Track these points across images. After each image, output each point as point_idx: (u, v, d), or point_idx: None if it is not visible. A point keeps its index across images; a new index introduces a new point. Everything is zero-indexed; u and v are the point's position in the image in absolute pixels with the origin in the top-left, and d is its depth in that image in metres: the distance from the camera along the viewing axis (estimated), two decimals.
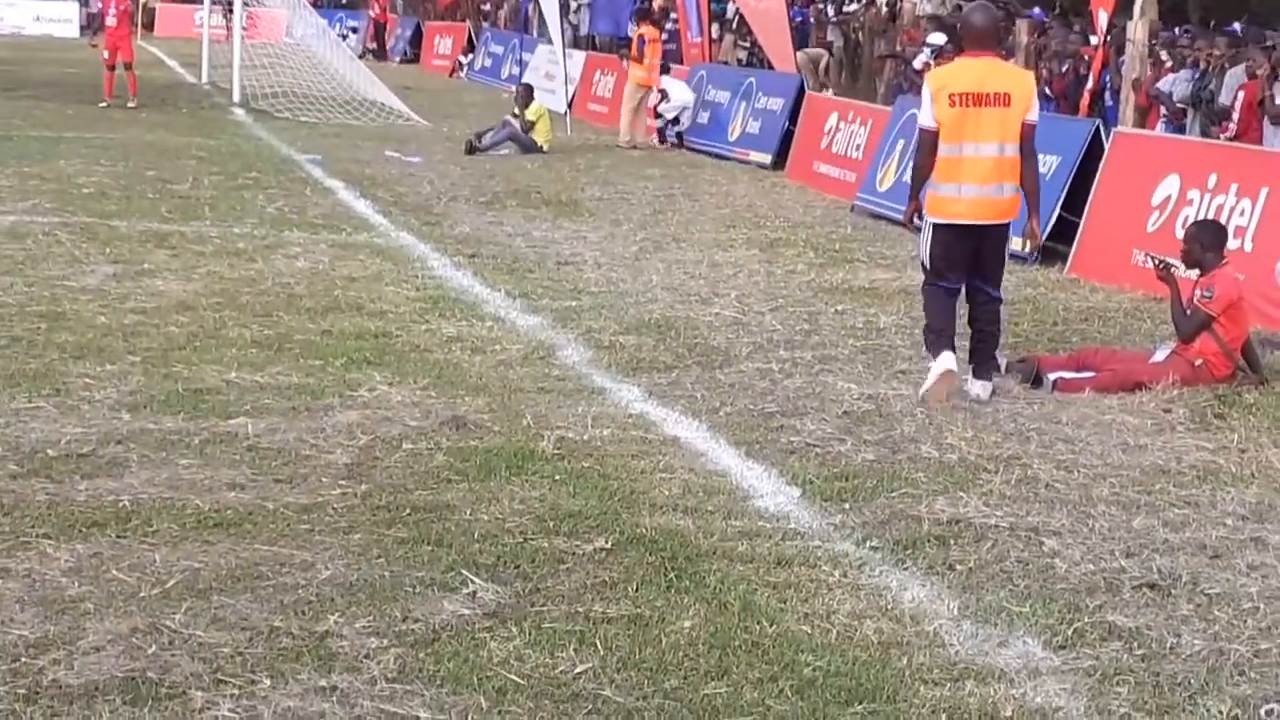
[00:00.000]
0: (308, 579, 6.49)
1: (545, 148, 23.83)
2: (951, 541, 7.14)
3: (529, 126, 23.84)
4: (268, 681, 5.53)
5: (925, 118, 9.82)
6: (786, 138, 22.58)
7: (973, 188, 9.70)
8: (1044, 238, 11.83)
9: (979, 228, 9.74)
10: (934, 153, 9.76)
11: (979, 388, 9.78)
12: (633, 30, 27.92)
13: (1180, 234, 11.89)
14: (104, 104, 28.63)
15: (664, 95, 25.58)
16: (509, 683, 5.58)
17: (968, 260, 9.87)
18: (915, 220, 10.12)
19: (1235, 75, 17.97)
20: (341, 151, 23.20)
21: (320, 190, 19.07)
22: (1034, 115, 9.81)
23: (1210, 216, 12.70)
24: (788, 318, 12.18)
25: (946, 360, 9.73)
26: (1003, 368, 10.27)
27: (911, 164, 10.79)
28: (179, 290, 12.41)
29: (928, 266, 9.96)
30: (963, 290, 9.99)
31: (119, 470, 7.81)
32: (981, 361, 9.90)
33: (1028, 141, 9.80)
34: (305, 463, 8.06)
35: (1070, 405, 9.62)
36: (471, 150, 23.40)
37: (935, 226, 9.84)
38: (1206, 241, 10.49)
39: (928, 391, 9.63)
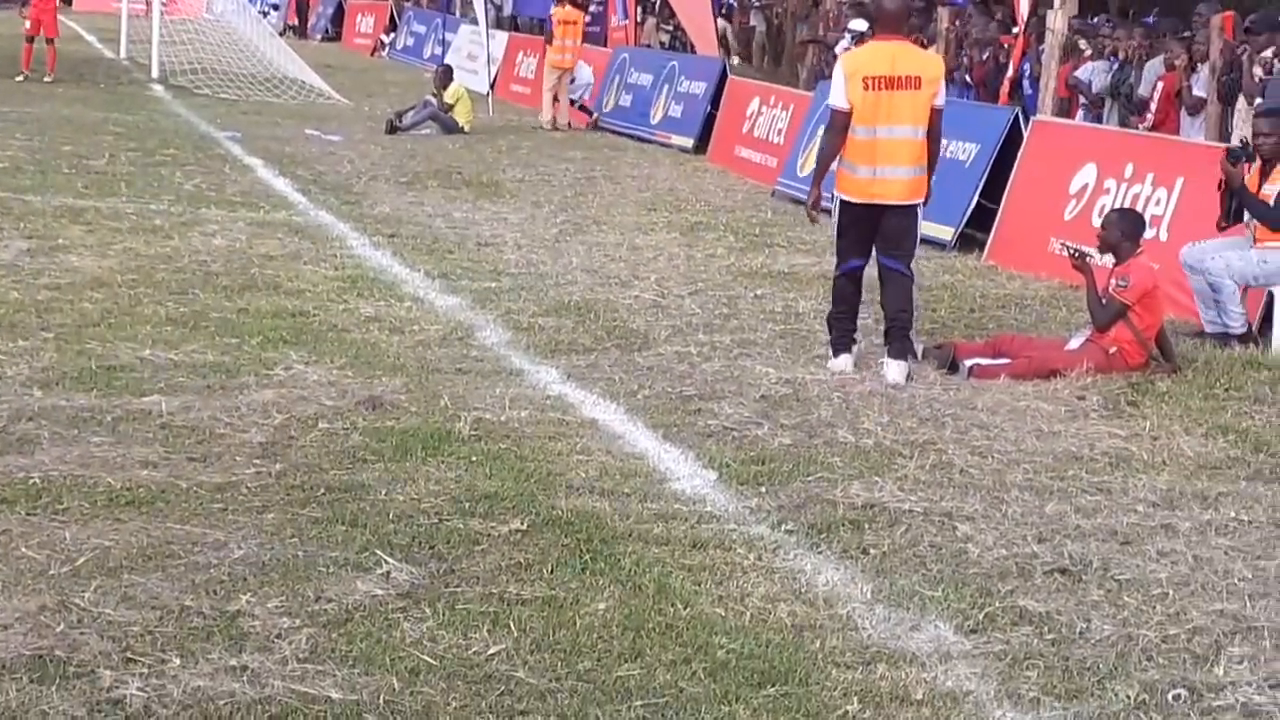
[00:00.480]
0: (220, 558, 6.44)
1: (466, 128, 23.75)
2: (866, 526, 7.17)
3: (448, 108, 23.75)
4: (177, 660, 5.49)
5: (837, 98, 10.00)
6: (708, 122, 22.59)
7: (887, 169, 9.93)
8: (962, 225, 11.95)
9: (890, 207, 9.91)
10: (844, 133, 9.98)
11: (896, 370, 9.84)
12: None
13: (1097, 222, 11.99)
14: (20, 77, 28.33)
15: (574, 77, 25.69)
16: (421, 663, 5.56)
17: (873, 239, 10.11)
18: (814, 212, 10.24)
19: (1154, 67, 18.10)
20: (261, 129, 23.05)
21: (239, 168, 18.94)
22: (941, 99, 10.09)
23: (1127, 205, 12.80)
24: (707, 301, 12.19)
25: (844, 363, 10.11)
26: (919, 354, 10.33)
27: (820, 145, 10.92)
28: (94, 266, 12.30)
29: (837, 243, 10.12)
30: (875, 273, 10.14)
31: (29, 447, 7.73)
32: (896, 342, 9.98)
33: (935, 126, 10.06)
34: (219, 441, 8.00)
35: (985, 391, 9.68)
36: (392, 130, 23.30)
37: (847, 204, 10.02)
38: (1125, 230, 10.57)
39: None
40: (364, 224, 15.16)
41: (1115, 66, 19.07)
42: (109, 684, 5.31)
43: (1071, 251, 10.71)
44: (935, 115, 10.01)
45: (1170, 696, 5.53)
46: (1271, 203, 11.10)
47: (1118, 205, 13.01)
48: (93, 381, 8.94)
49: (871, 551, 6.87)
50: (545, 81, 25.89)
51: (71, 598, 5.96)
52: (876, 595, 6.36)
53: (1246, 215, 11.19)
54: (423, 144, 22.26)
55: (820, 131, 11.87)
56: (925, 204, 10.28)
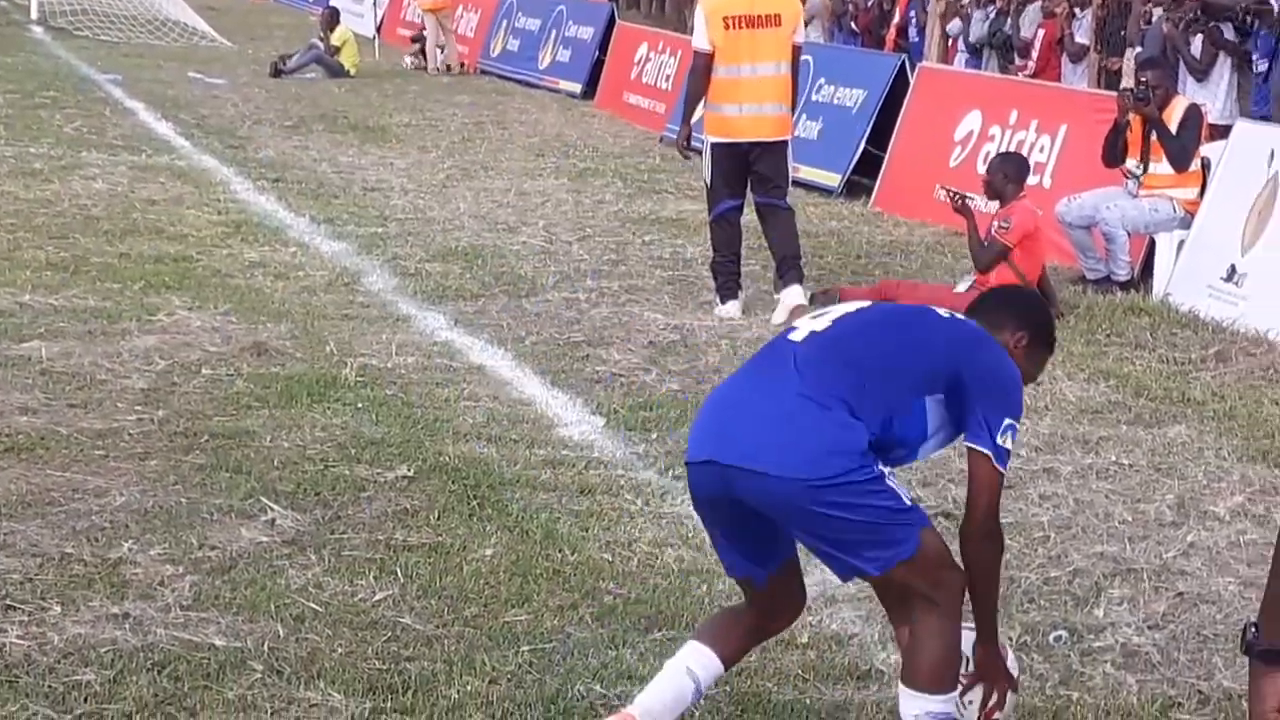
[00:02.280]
0: (101, 505, 6.37)
1: (353, 72, 23.53)
2: None
3: (334, 51, 23.52)
4: (58, 608, 5.43)
5: (699, 40, 10.22)
6: (596, 67, 22.51)
7: (753, 106, 10.10)
8: (849, 172, 12.04)
9: (760, 145, 10.00)
10: (708, 75, 10.17)
11: (795, 294, 10.00)
12: None
13: (982, 169, 12.06)
14: None
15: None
16: (307, 610, 5.53)
17: (745, 179, 10.21)
18: (686, 147, 10.46)
19: (1031, 14, 18.24)
20: (143, 72, 22.74)
21: (120, 111, 18.67)
22: (800, 36, 10.37)
23: (993, 154, 12.90)
24: (595, 247, 12.18)
25: (732, 309, 10.17)
26: (807, 300, 10.37)
27: (685, 88, 11.10)
28: None
29: (710, 185, 10.21)
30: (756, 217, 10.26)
31: None
32: (789, 270, 10.13)
33: (796, 61, 10.27)
34: (101, 388, 7.90)
35: None
36: (277, 73, 23.05)
37: (716, 145, 10.14)
38: (1009, 173, 10.64)
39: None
40: (248, 168, 15.00)
41: (992, 15, 19.18)
42: None
43: (952, 195, 10.77)
44: (796, 52, 10.22)
45: (1051, 638, 5.60)
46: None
47: (991, 154, 13.11)
48: None
49: None
50: (428, 30, 25.65)
51: None
52: None
53: (1130, 163, 11.29)
54: (308, 88, 22.04)
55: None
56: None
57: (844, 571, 4.44)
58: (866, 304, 4.60)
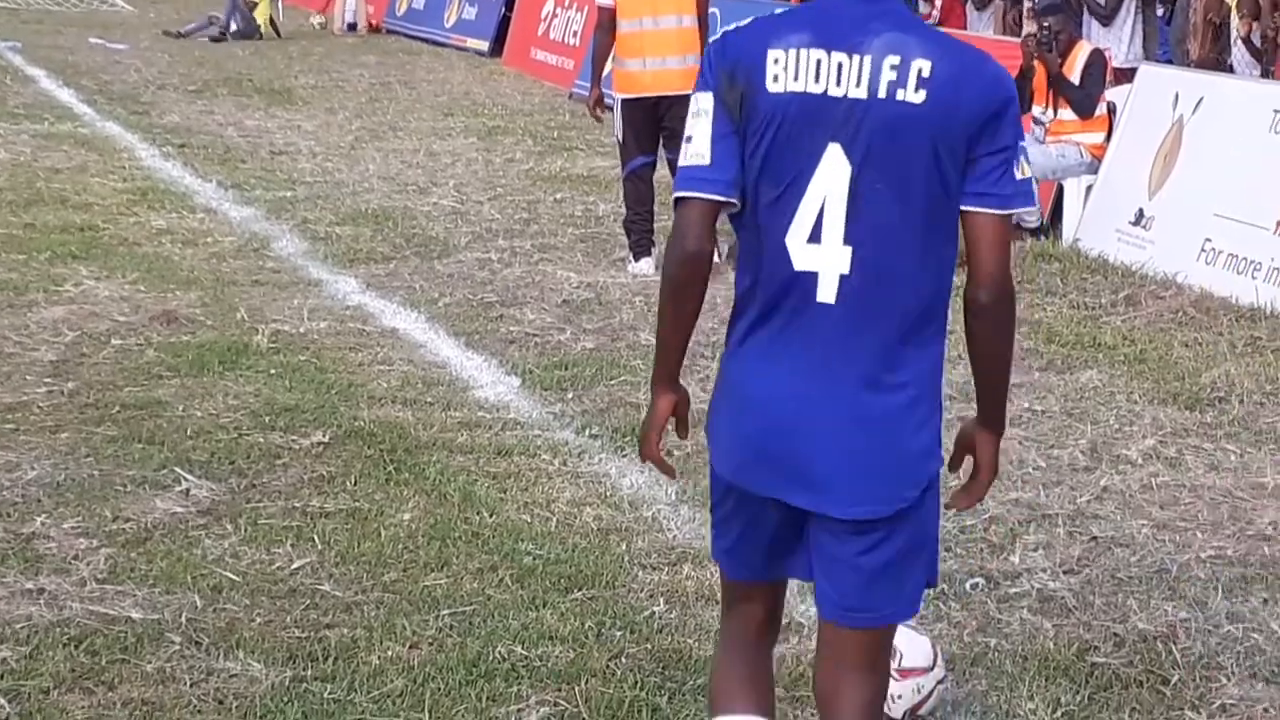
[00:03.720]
0: (13, 480, 6.31)
1: (261, 33, 23.33)
2: (669, 429, 7.18)
3: (251, 6, 23.32)
4: None
5: None
6: (503, 24, 22.39)
7: (656, 60, 10.13)
8: None
9: (667, 99, 9.98)
10: (612, 30, 10.21)
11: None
12: None
13: None
14: None
15: None
16: (224, 580, 5.50)
17: (656, 135, 10.22)
18: (599, 110, 10.43)
19: None
20: (43, 38, 22.44)
21: (20, 79, 18.42)
22: None
23: None
24: (506, 207, 12.13)
25: (645, 266, 10.19)
26: (724, 254, 10.37)
27: (591, 45, 11.13)
28: None
29: (621, 142, 10.23)
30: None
31: None
32: None
33: (703, 12, 10.26)
34: (8, 360, 7.82)
35: None
36: (179, 35, 22.84)
37: (624, 101, 10.15)
38: None
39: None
40: (153, 134, 14.85)
41: None
42: None
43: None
44: (703, 4, 10.22)
45: (968, 585, 5.64)
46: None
47: None
48: None
49: (675, 453, 6.88)
50: None
51: None
52: (681, 496, 6.40)
53: (1036, 110, 11.35)
54: (211, 51, 21.82)
55: None
56: None
57: (894, 607, 3.62)
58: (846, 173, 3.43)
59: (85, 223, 10.92)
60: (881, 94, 3.38)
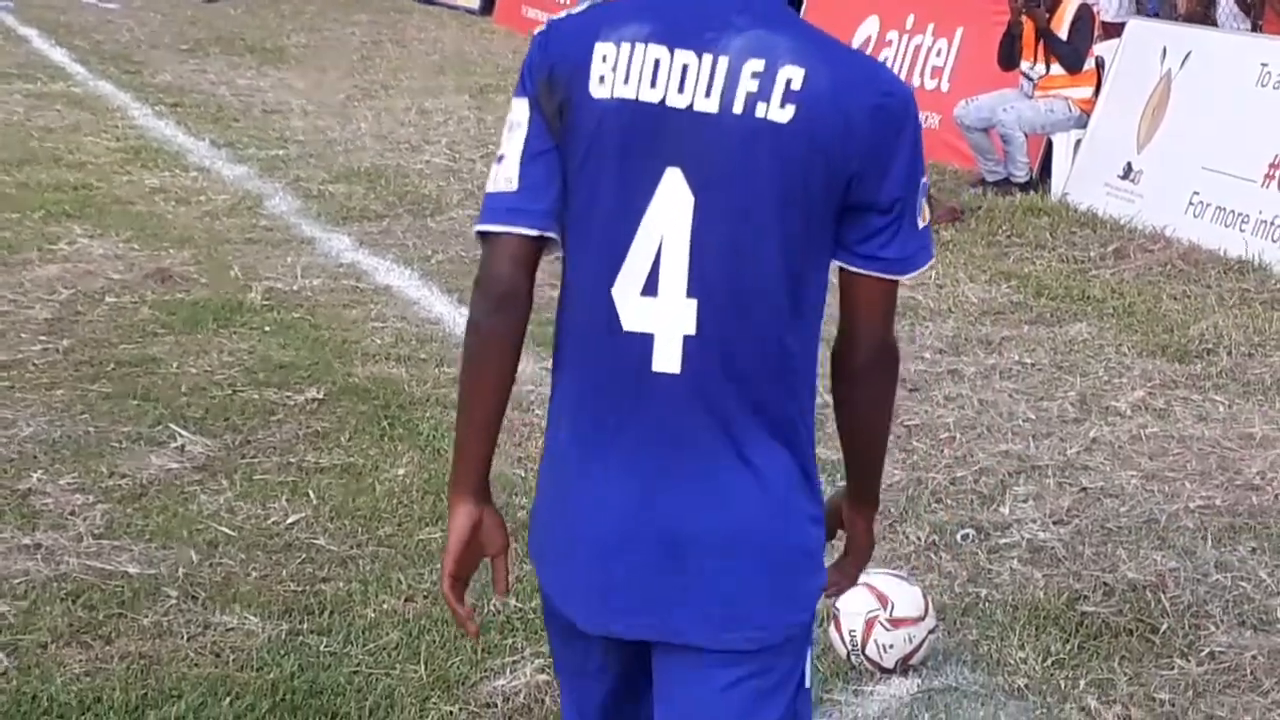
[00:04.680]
0: (9, 436, 6.34)
1: None
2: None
3: None
4: None
5: None
6: None
7: None
8: None
9: None
10: None
11: None
12: None
13: None
14: None
15: None
16: (220, 535, 5.54)
17: None
18: None
19: None
20: None
21: (13, 38, 18.38)
22: None
23: (905, 57, 12.95)
24: None
25: None
26: None
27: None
28: None
29: None
30: None
31: None
32: None
33: None
34: (3, 318, 7.84)
35: None
36: None
37: None
38: None
39: None
40: (145, 93, 14.83)
41: None
42: None
43: None
44: None
45: (959, 536, 5.69)
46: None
47: (891, 59, 13.16)
48: None
49: None
50: None
51: None
52: None
53: (1025, 65, 11.35)
54: (203, 10, 21.75)
55: None
56: None
57: None
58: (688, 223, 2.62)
59: (79, 181, 10.93)
60: (737, 109, 2.55)
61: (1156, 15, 13.82)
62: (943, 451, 6.49)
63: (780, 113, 2.54)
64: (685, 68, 2.58)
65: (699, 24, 2.59)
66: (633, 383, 2.66)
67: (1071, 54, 11.17)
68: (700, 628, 2.69)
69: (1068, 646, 4.93)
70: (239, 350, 7.49)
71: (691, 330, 2.61)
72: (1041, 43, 11.23)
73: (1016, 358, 7.69)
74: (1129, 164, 10.76)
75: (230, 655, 4.75)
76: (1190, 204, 10.11)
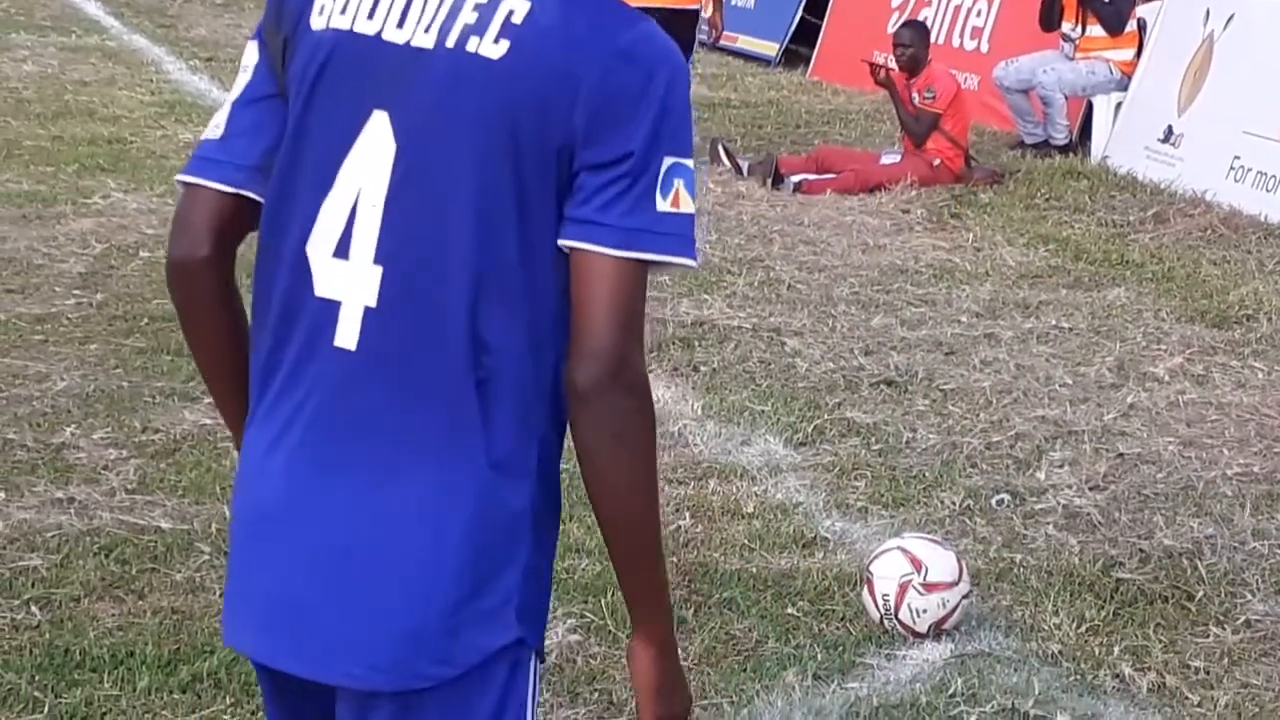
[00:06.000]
0: (42, 390, 6.33)
1: None
2: (696, 343, 7.21)
3: None
4: (2, 494, 5.40)
5: None
6: None
7: None
8: (787, 41, 11.97)
9: (662, 11, 10.03)
10: None
11: None
12: None
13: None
14: None
15: None
16: None
17: None
18: None
19: None
20: None
21: None
22: None
23: (944, 18, 12.87)
24: None
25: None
26: (745, 170, 10.35)
27: None
28: None
29: None
30: None
31: None
32: None
33: None
34: (38, 272, 7.83)
35: (812, 207, 9.73)
36: None
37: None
38: (918, 42, 10.58)
39: None
40: (180, 48, 14.81)
41: None
42: None
43: (874, 68, 10.68)
44: None
45: (994, 501, 5.65)
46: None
47: (935, 18, 13.07)
48: None
49: (702, 369, 6.91)
50: None
51: None
52: (707, 411, 6.41)
53: (1066, 27, 11.27)
54: None
55: None
56: (715, 43, 10.57)
57: None
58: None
59: (113, 135, 10.92)
60: (449, 43, 2.18)
61: None
62: (979, 415, 6.45)
63: (493, 48, 2.16)
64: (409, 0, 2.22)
65: None
66: (310, 356, 2.26)
67: (1113, 15, 11.08)
68: (325, 663, 2.24)
69: (1102, 613, 4.90)
70: None
71: (372, 303, 2.20)
72: (1082, 4, 11.13)
73: (1054, 322, 7.64)
74: (1170, 127, 10.67)
75: None
76: (1231, 168, 10.02)
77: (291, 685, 2.31)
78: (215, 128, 2.34)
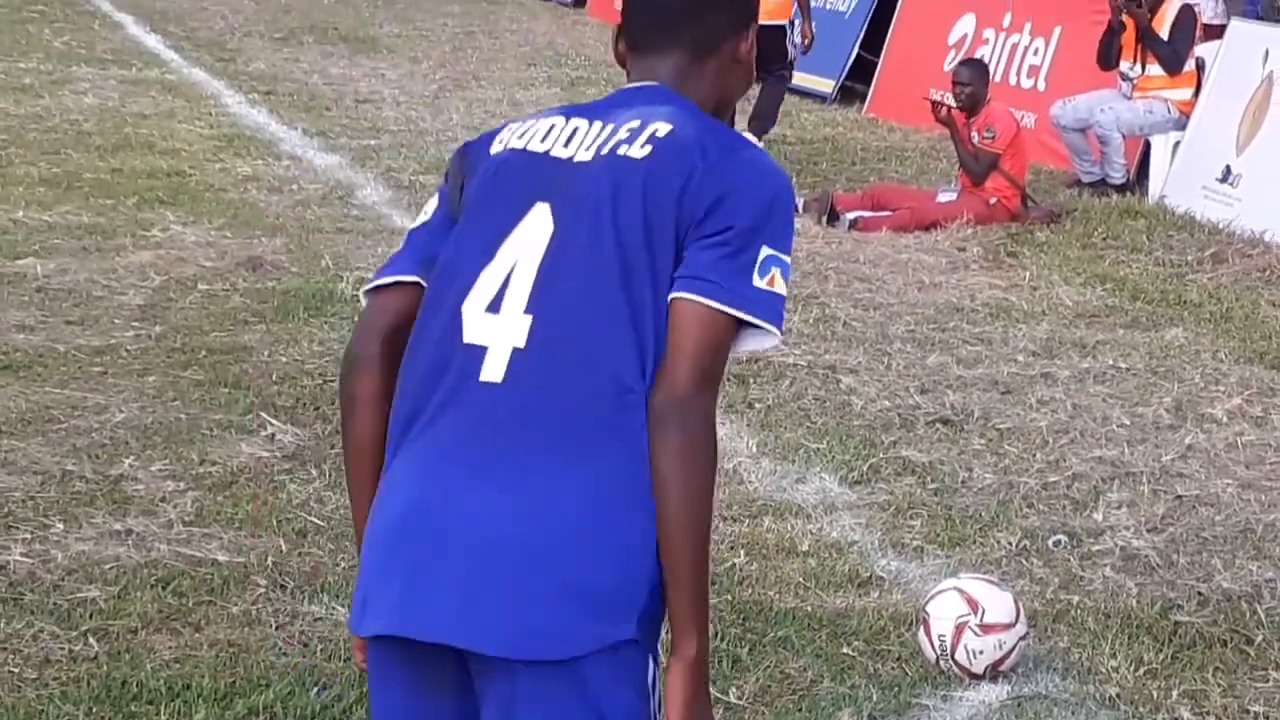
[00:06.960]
0: (101, 422, 6.37)
1: None
2: (751, 380, 7.20)
3: None
4: (60, 525, 5.44)
5: None
6: None
7: None
8: (843, 78, 12.01)
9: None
10: None
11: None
12: None
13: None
14: None
15: None
16: (309, 524, 5.55)
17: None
18: None
19: None
20: None
21: (109, 24, 18.55)
22: None
23: (1001, 56, 12.86)
24: None
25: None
26: (800, 207, 10.34)
27: None
28: None
29: None
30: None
31: None
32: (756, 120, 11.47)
33: None
34: (97, 304, 7.89)
35: (867, 244, 9.72)
36: None
37: None
38: (977, 80, 10.55)
39: None
40: (239, 81, 14.92)
41: None
42: None
43: (935, 105, 10.66)
44: None
45: (1050, 542, 5.62)
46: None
47: (996, 56, 13.05)
48: None
49: (757, 405, 6.91)
50: None
51: None
52: (762, 449, 6.40)
53: (1124, 66, 11.23)
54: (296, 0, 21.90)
55: None
56: (806, 50, 10.55)
57: None
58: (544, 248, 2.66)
59: (172, 168, 11.00)
60: (604, 153, 2.66)
61: (1259, 17, 13.66)
62: (1035, 455, 6.42)
63: (638, 150, 2.65)
64: (576, 129, 2.73)
65: (604, 107, 2.79)
66: (458, 392, 2.62)
67: (1171, 55, 11.04)
68: (486, 635, 2.55)
69: (1160, 656, 4.86)
70: (329, 340, 7.50)
71: (521, 344, 2.60)
72: (1141, 43, 11.10)
73: (1111, 362, 7.60)
74: (1228, 167, 10.62)
75: (318, 645, 4.75)
76: None
77: (425, 668, 2.61)
78: (394, 252, 2.79)
